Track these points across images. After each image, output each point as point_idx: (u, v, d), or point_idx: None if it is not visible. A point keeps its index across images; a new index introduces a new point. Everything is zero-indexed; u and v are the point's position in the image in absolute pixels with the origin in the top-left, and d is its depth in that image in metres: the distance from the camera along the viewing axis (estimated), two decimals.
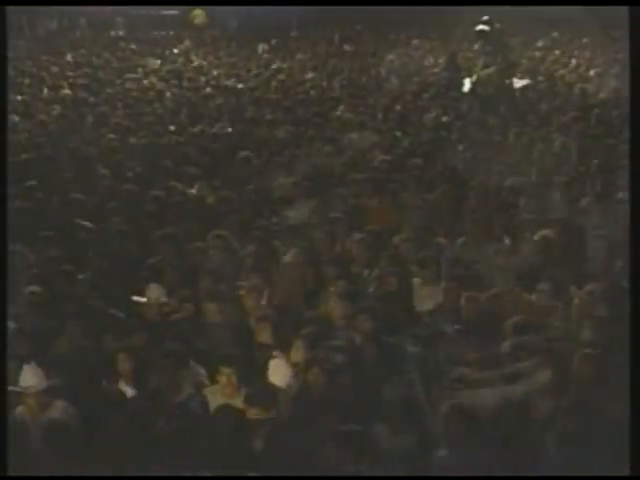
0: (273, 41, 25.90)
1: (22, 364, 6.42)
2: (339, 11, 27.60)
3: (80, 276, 8.23)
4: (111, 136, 13.55)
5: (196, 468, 5.50)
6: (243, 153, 12.10)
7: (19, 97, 17.09)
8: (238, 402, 6.04)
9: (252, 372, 6.54)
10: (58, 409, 6.22)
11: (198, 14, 30.15)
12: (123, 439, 5.81)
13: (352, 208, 10.02)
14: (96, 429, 6.04)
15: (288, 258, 8.65)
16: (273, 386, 6.33)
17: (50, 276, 8.16)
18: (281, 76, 19.96)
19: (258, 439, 5.82)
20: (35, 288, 7.78)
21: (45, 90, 18.37)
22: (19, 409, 6.29)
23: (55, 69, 21.40)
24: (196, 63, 22.58)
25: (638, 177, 5.50)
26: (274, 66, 21.83)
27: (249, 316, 7.54)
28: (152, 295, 7.63)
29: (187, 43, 26.30)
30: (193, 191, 10.73)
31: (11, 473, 5.44)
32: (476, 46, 17.87)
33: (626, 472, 4.96)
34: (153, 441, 5.81)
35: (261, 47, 25.29)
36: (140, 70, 21.13)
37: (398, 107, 16.11)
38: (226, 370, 6.32)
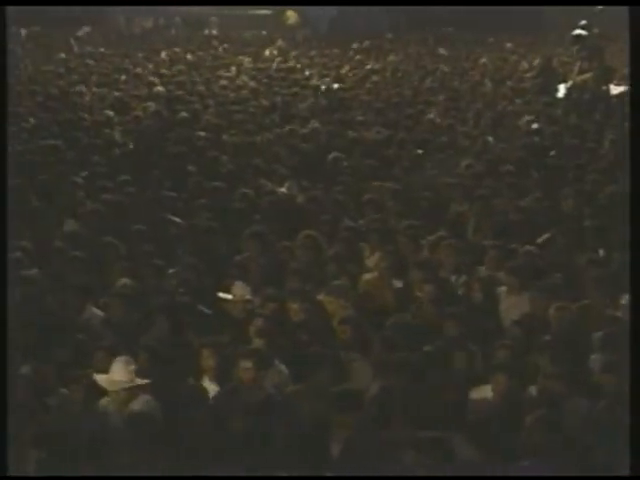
0: (366, 42, 25.85)
1: (110, 356, 6.52)
2: (433, 13, 27.43)
3: (169, 271, 8.34)
4: (202, 134, 13.71)
5: (273, 469, 5.50)
6: (333, 154, 12.11)
7: (115, 93, 17.42)
8: (319, 403, 6.03)
9: (334, 374, 6.51)
10: (142, 402, 6.29)
11: (291, 15, 30.34)
12: (202, 436, 5.85)
13: (441, 213, 9.93)
14: (177, 424, 6.10)
15: (374, 260, 8.62)
16: (354, 388, 6.29)
17: (140, 269, 8.30)
18: (374, 77, 19.90)
19: (337, 441, 5.78)
20: (125, 280, 7.90)
21: (140, 87, 18.70)
22: (104, 400, 6.37)
23: (150, 66, 21.78)
24: (288, 63, 22.70)
25: (638, 177, 5.44)
26: (367, 67, 21.79)
27: (332, 317, 7.53)
28: (237, 292, 7.69)
29: (279, 43, 26.46)
30: (282, 190, 10.77)
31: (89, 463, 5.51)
32: (572, 51, 17.52)
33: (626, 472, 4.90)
34: (232, 440, 5.83)
35: (352, 47, 25.28)
36: (233, 69, 21.34)
37: (491, 112, 15.91)
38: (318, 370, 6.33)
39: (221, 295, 7.71)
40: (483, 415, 6.21)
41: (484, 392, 6.42)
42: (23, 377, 6.50)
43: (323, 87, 18.49)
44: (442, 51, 25.15)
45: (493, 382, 6.33)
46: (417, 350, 6.89)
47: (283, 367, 6.76)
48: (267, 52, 25.01)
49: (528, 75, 20.24)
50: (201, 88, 18.27)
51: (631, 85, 5.82)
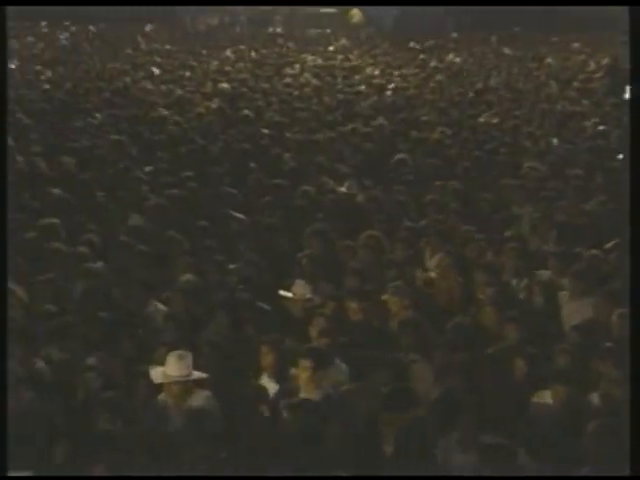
0: (430, 41, 25.74)
1: (170, 350, 6.57)
2: (498, 12, 27.18)
3: (231, 267, 8.39)
4: (265, 131, 13.77)
5: (327, 468, 5.51)
6: (398, 155, 12.07)
7: (179, 91, 17.58)
8: (377, 403, 6.02)
9: (393, 374, 6.50)
10: (201, 398, 6.32)
11: (355, 13, 30.35)
12: (259, 434, 5.88)
13: (502, 215, 9.84)
14: (235, 421, 6.14)
15: (434, 262, 8.58)
16: (412, 390, 6.27)
17: (202, 265, 8.37)
18: (438, 77, 19.80)
19: (390, 441, 5.77)
20: (189, 276, 7.98)
21: (205, 84, 18.87)
22: (162, 395, 6.42)
23: (215, 64, 21.96)
24: (351, 61, 22.70)
25: (638, 177, 5.36)
26: (430, 66, 21.69)
27: (392, 318, 7.51)
28: (298, 291, 7.70)
29: (343, 41, 26.47)
30: (343, 189, 10.78)
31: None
32: None
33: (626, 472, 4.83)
34: (288, 438, 5.86)
35: (416, 46, 25.17)
36: (296, 67, 21.42)
37: (556, 113, 15.72)
38: (376, 370, 6.33)
39: (281, 293, 7.73)
40: (543, 420, 6.14)
41: (544, 397, 6.35)
42: (90, 369, 6.59)
43: (390, 85, 18.44)
44: (507, 51, 24.93)
45: (553, 387, 6.26)
46: (477, 353, 6.84)
47: (344, 366, 6.75)
48: (331, 50, 25.06)
49: (595, 76, 19.96)
50: (265, 86, 18.37)
51: (632, 85, 5.69)
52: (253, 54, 23.87)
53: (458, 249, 8.71)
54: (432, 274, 8.30)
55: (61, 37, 27.21)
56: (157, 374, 6.34)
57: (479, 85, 19.07)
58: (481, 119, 15.22)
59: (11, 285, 7.82)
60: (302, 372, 6.36)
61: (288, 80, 19.02)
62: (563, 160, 12.28)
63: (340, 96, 17.15)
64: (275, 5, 29.21)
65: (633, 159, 5.69)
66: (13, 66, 21.53)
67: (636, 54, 5.91)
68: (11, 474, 5.38)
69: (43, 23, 29.27)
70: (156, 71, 20.40)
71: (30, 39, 26.58)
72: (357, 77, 19.89)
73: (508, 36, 26.92)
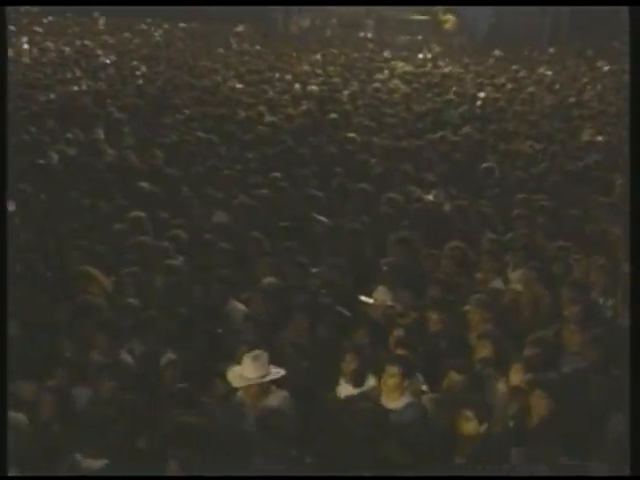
0: (524, 52, 25.42)
1: (249, 349, 6.60)
2: (594, 22, 26.68)
3: (312, 270, 8.39)
4: (352, 135, 13.77)
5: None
6: (485, 164, 11.93)
7: (270, 93, 17.69)
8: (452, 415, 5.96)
9: (468, 387, 6.42)
10: (278, 398, 6.33)
11: (448, 19, 30.15)
12: (332, 440, 5.86)
13: (589, 232, 9.64)
14: (310, 423, 6.13)
15: (518, 276, 8.45)
16: (488, 403, 6.19)
17: (284, 266, 8.39)
18: (530, 88, 19.53)
19: (464, 453, 5.73)
20: (271, 279, 8.01)
21: (294, 86, 18.96)
22: (240, 393, 6.44)
23: (305, 66, 22.05)
24: (442, 69, 22.55)
25: (639, 177, 5.30)
26: (523, 78, 21.40)
27: (471, 331, 7.42)
28: (379, 297, 7.67)
29: (434, 48, 26.32)
30: (430, 197, 10.69)
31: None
32: None
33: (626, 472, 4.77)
34: (361, 444, 5.82)
35: (509, 56, 24.89)
36: (386, 72, 21.37)
37: None
38: (456, 379, 6.26)
39: (362, 298, 7.70)
40: (622, 443, 5.98)
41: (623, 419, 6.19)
42: (170, 364, 6.65)
43: (480, 95, 18.26)
44: (602, 64, 24.46)
45: (632, 410, 6.10)
46: (556, 370, 6.71)
47: (421, 376, 6.70)
48: (421, 57, 24.95)
49: None
50: (353, 90, 18.36)
51: (631, 85, 5.76)
52: (343, 58, 23.90)
53: (544, 264, 8.56)
54: (516, 288, 8.18)
55: (156, 34, 27.69)
56: (234, 377, 6.35)
57: (572, 99, 18.75)
58: (573, 133, 14.94)
59: (97, 274, 7.99)
60: (387, 379, 6.32)
61: (377, 85, 18.98)
62: None
63: (429, 104, 17.05)
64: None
65: (633, 158, 5.59)
66: (108, 61, 22.00)
67: (636, 54, 5.82)
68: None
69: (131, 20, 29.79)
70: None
71: (127, 35, 27.11)
72: (447, 85, 19.74)
73: (603, 49, 26.41)
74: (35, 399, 6.19)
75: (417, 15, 30.68)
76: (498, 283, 8.35)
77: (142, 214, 9.44)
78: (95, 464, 5.49)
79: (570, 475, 5.43)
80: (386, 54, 25.08)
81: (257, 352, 6.37)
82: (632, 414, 5.05)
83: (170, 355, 6.78)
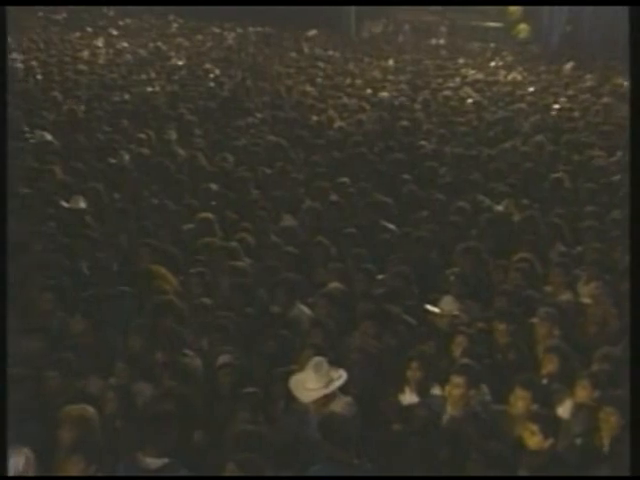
0: (598, 62, 25.02)
1: (313, 354, 6.58)
2: None
3: (379, 277, 8.36)
4: (423, 143, 13.70)
5: None
6: (556, 175, 11.76)
7: (345, 99, 17.69)
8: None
9: (534, 400, 6.33)
10: (342, 404, 6.29)
11: (523, 29, 29.86)
12: (397, 445, 5.82)
13: None
14: (372, 431, 6.09)
15: (588, 290, 8.30)
16: (554, 417, 6.10)
17: (350, 272, 8.37)
18: (605, 99, 19.19)
19: (528, 467, 5.65)
20: (336, 284, 7.99)
21: (365, 91, 18.95)
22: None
23: (376, 72, 22.03)
24: (514, 78, 22.31)
25: (639, 176, 5.01)
26: (596, 88, 21.06)
27: (538, 344, 7.31)
28: (446, 307, 7.62)
29: (506, 57, 26.06)
30: (500, 208, 10.57)
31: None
32: None
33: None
34: (424, 453, 5.77)
35: (582, 66, 24.51)
36: (457, 80, 21.23)
37: None
38: (522, 394, 6.17)
39: (428, 307, 7.65)
40: None
41: None
42: (231, 365, 6.69)
43: (555, 106, 18.00)
44: None
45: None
46: (623, 387, 6.57)
47: (485, 387, 6.63)
48: (493, 65, 24.72)
49: None
50: (424, 97, 18.27)
51: (631, 85, 5.75)
52: (414, 64, 23.81)
53: (616, 279, 8.39)
54: (585, 302, 8.04)
55: (228, 37, 27.93)
56: (297, 388, 6.29)
57: None
58: None
59: (165, 272, 8.08)
60: (453, 389, 6.28)
61: (448, 93, 18.87)
62: None
63: (500, 112, 16.88)
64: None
65: (633, 158, 5.61)
66: (181, 63, 22.26)
67: (636, 54, 5.82)
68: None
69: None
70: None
71: (199, 37, 27.40)
72: (519, 94, 19.52)
73: None
74: (101, 395, 6.27)
75: (490, 22, 30.43)
76: (567, 296, 8.22)
77: (210, 215, 9.52)
78: (155, 463, 5.53)
79: (570, 475, 5.40)
80: (457, 61, 24.92)
81: (318, 360, 6.33)
82: (632, 414, 5.02)
83: (225, 357, 6.78)
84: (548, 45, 28.67)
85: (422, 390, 6.51)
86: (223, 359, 6.72)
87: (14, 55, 22.36)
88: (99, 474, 5.51)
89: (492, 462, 5.65)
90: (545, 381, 6.73)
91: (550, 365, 6.84)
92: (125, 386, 6.37)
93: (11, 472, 5.57)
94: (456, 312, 7.60)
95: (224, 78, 19.83)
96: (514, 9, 29.93)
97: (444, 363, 6.81)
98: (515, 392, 6.28)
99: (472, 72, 22.76)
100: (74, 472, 5.45)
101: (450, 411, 6.25)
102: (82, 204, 10.17)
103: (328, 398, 6.27)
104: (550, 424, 5.87)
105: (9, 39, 24.81)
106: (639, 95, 5.76)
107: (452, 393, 6.29)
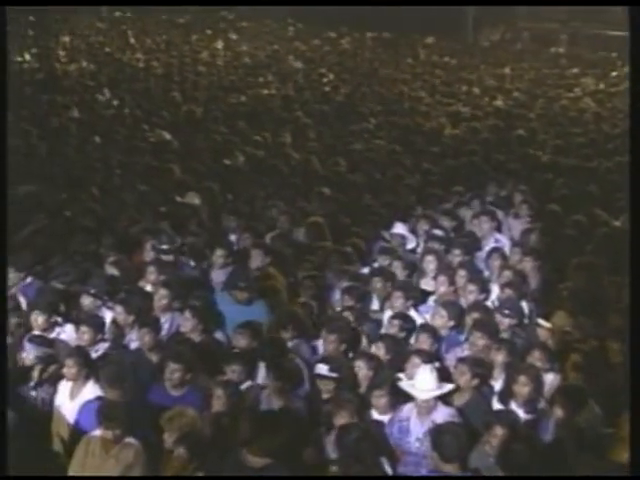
0: None
1: (423, 361, 6.54)
2: None
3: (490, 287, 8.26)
4: (539, 153, 13.46)
5: None
6: None
7: (460, 106, 17.53)
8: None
9: None
10: (445, 415, 6.21)
11: None
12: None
13: None
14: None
15: None
16: None
17: (460, 281, 8.28)
18: None
19: None
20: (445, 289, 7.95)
21: (481, 100, 18.75)
22: (407, 407, 6.39)
23: (492, 81, 21.74)
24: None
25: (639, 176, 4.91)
26: None
27: None
28: (558, 322, 7.46)
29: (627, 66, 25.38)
30: (618, 223, 10.28)
31: None
32: None
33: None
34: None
35: None
36: (576, 90, 20.77)
37: None
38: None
39: (540, 321, 7.51)
40: None
41: None
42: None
43: None
44: None
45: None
46: None
47: (597, 408, 6.45)
48: (614, 74, 24.07)
49: None
50: (541, 106, 17.95)
51: (631, 85, 5.72)
52: (532, 73, 23.40)
53: None
54: None
55: (342, 41, 28.03)
56: (409, 387, 6.29)
57: None
58: None
59: (275, 273, 8.17)
60: (559, 406, 6.14)
61: (565, 103, 18.48)
62: None
63: (620, 124, 16.41)
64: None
65: (633, 158, 5.59)
66: (298, 66, 22.47)
67: (636, 54, 5.78)
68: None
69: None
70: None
71: (316, 42, 27.58)
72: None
73: None
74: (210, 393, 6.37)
75: (613, 31, 29.64)
76: None
77: (320, 219, 9.57)
78: (258, 462, 5.58)
79: (571, 475, 5.34)
80: (577, 71, 24.37)
81: (431, 365, 6.35)
82: (632, 414, 5.00)
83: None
84: None
85: (529, 405, 6.38)
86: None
87: (138, 55, 23.00)
88: (201, 471, 5.61)
89: None
90: None
91: None
92: (234, 384, 6.45)
93: (122, 463, 5.73)
94: (568, 328, 7.42)
95: (339, 82, 19.92)
96: None
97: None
98: (623, 415, 6.08)
99: (592, 82, 22.23)
100: (175, 466, 5.58)
101: (551, 429, 6.12)
102: (197, 200, 10.37)
103: (432, 406, 6.22)
104: None
105: (132, 41, 25.60)
106: (639, 95, 5.74)
107: (558, 411, 6.16)
